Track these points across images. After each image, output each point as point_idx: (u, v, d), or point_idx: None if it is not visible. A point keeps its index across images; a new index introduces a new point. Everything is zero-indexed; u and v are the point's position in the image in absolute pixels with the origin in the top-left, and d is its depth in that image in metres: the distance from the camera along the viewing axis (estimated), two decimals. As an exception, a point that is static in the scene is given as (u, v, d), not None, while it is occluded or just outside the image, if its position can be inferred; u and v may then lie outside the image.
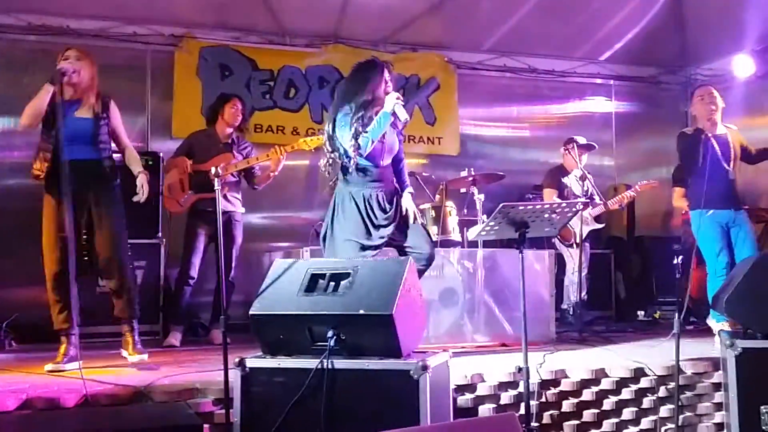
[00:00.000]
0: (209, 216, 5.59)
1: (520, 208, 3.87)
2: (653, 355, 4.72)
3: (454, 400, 3.82)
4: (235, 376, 3.28)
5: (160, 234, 6.26)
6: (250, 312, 3.32)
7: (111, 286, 4.48)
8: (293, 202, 7.52)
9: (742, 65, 7.45)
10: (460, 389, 3.98)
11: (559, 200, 6.31)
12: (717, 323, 5.30)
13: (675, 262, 4.24)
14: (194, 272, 5.72)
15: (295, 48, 7.45)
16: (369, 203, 4.33)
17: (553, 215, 3.97)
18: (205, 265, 5.84)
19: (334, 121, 4.37)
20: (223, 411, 3.45)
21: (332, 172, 4.46)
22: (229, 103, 5.88)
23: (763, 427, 3.84)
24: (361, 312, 3.15)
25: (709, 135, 5.19)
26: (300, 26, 7.26)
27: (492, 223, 3.97)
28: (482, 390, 4.04)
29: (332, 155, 4.40)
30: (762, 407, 3.83)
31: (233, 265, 5.79)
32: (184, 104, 6.97)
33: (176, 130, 6.87)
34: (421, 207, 5.79)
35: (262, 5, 6.94)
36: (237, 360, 3.28)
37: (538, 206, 3.93)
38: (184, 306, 5.77)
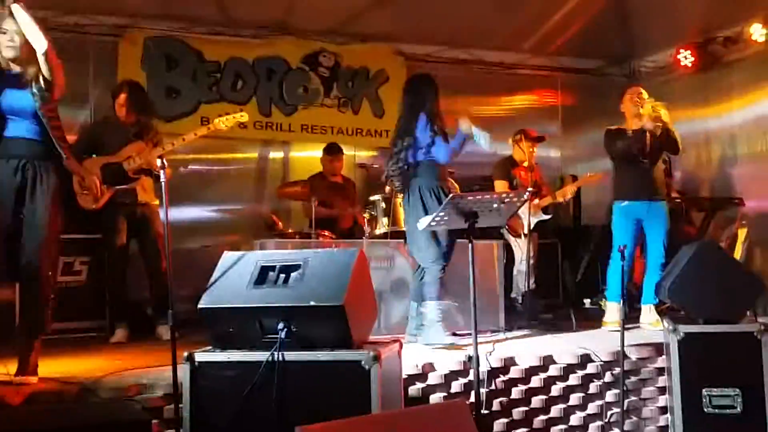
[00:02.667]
0: (128, 209, 5.51)
1: (469, 198, 3.91)
2: (599, 341, 4.82)
3: (405, 389, 3.84)
4: (184, 371, 3.25)
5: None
6: (199, 305, 3.28)
7: None
8: (242, 195, 7.45)
9: (684, 58, 7.61)
10: (411, 379, 4.01)
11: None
12: (645, 305, 5.49)
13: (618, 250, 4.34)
14: (121, 267, 5.61)
15: (242, 38, 7.36)
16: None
17: (502, 205, 4.01)
18: (138, 260, 5.73)
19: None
20: (172, 406, 3.41)
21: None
22: (121, 92, 5.68)
23: (705, 410, 3.95)
24: (312, 303, 3.14)
25: (628, 130, 5.60)
26: (247, 16, 7.15)
27: (441, 214, 4.00)
28: (433, 379, 4.08)
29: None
30: (704, 390, 3.95)
31: (163, 257, 5.66)
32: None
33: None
34: (372, 199, 5.81)
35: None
36: (186, 354, 3.24)
37: (486, 196, 3.97)
38: (123, 302, 5.67)
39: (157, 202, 5.68)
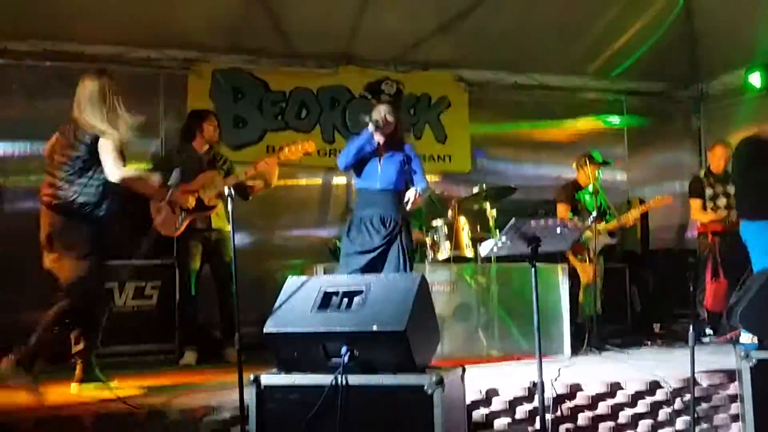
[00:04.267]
0: (202, 234, 5.66)
1: (532, 223, 3.89)
2: (668, 367, 4.71)
3: (469, 414, 3.83)
4: (250, 394, 3.31)
5: (175, 254, 6.30)
6: (264, 330, 3.34)
7: None
8: (306, 220, 7.56)
9: (755, 79, 7.44)
10: (475, 404, 3.99)
11: (571, 215, 6.32)
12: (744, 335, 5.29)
13: (688, 274, 4.24)
14: (193, 291, 5.77)
15: (306, 69, 7.52)
16: (364, 223, 4.76)
17: (565, 230, 3.98)
18: (207, 284, 5.88)
19: None
20: (239, 428, 3.47)
21: None
22: (207, 120, 5.95)
23: (780, 438, 3.81)
24: (374, 329, 3.17)
25: None
26: (311, 48, 7.32)
27: (504, 239, 3.98)
28: (497, 404, 4.05)
29: None
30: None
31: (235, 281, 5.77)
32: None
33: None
34: (434, 224, 5.83)
35: (274, 28, 7.01)
36: (252, 377, 3.31)
37: (550, 221, 3.95)
38: (192, 325, 5.82)
39: (229, 228, 5.81)
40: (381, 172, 4.85)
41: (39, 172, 5.79)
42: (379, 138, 4.88)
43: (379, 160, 4.88)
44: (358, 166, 4.92)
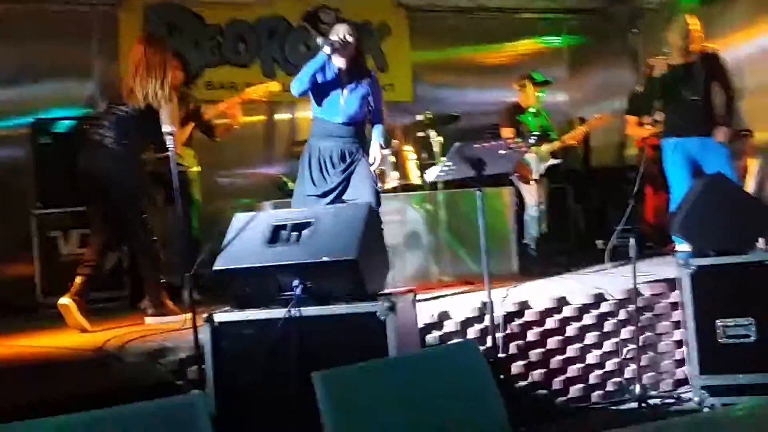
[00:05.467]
0: (164, 177, 5.57)
1: (475, 146, 3.92)
2: (612, 280, 4.87)
3: (422, 338, 3.92)
4: (204, 332, 3.32)
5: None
6: (214, 267, 3.34)
7: None
8: (251, 158, 7.49)
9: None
10: (428, 327, 4.08)
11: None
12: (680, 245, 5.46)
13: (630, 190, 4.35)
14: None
15: (242, 0, 7.33)
16: (323, 156, 4.53)
17: (508, 151, 4.03)
18: (168, 227, 5.81)
19: None
20: (195, 367, 3.50)
21: None
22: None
23: (719, 340, 4.00)
24: (325, 259, 3.20)
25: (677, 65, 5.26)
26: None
27: (449, 164, 4.03)
28: (449, 327, 4.15)
29: None
30: (717, 321, 3.99)
31: (194, 224, 5.77)
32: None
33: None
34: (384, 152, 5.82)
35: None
36: (205, 316, 3.32)
37: (492, 143, 3.99)
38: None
39: (194, 168, 5.77)
40: (344, 104, 4.53)
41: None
42: (339, 63, 4.54)
43: (342, 91, 4.56)
44: (317, 93, 4.56)
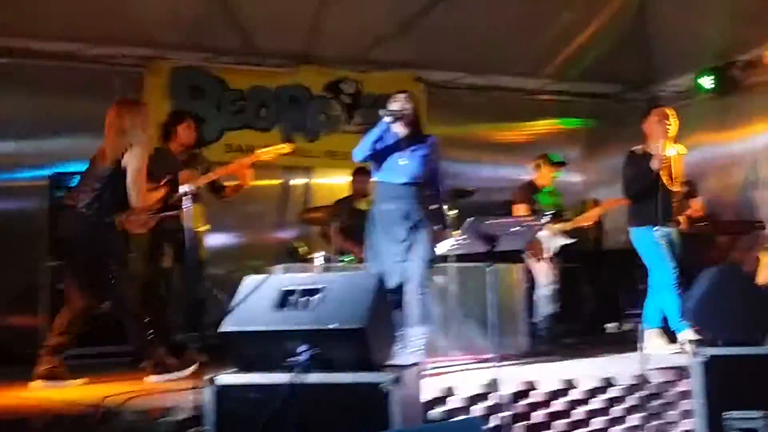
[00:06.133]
0: (174, 235, 5.59)
1: (489, 222, 3.94)
2: (622, 365, 4.80)
3: (426, 413, 3.85)
4: (206, 394, 3.28)
5: (132, 254, 6.21)
6: (220, 329, 3.32)
7: None
8: (265, 221, 7.53)
9: (704, 82, 7.61)
10: (432, 403, 4.01)
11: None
12: (680, 333, 5.43)
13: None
14: (163, 292, 5.70)
15: (265, 68, 7.49)
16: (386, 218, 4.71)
17: (521, 228, 4.04)
18: (175, 286, 5.81)
19: None
20: (194, 429, 3.44)
21: None
22: (183, 123, 5.85)
23: (729, 433, 3.91)
24: (332, 326, 3.17)
25: (658, 155, 5.48)
26: (270, 46, 7.30)
27: (462, 237, 4.03)
28: (454, 403, 4.07)
29: None
30: (725, 414, 3.90)
31: (202, 282, 5.76)
32: (155, 127, 6.93)
33: (147, 151, 6.85)
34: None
35: (233, 25, 6.98)
36: (208, 378, 3.28)
37: (505, 219, 4.00)
38: (158, 326, 5.73)
39: (202, 228, 5.80)
40: (405, 165, 4.74)
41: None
42: (399, 129, 4.78)
43: (403, 153, 4.77)
44: (378, 158, 4.80)
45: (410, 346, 4.61)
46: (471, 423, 2.73)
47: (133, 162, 4.51)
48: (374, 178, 4.94)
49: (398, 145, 4.79)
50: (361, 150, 4.77)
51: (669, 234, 5.58)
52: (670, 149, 5.56)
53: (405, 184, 4.72)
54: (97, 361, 5.50)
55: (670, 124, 5.55)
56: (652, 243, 5.56)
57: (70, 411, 3.64)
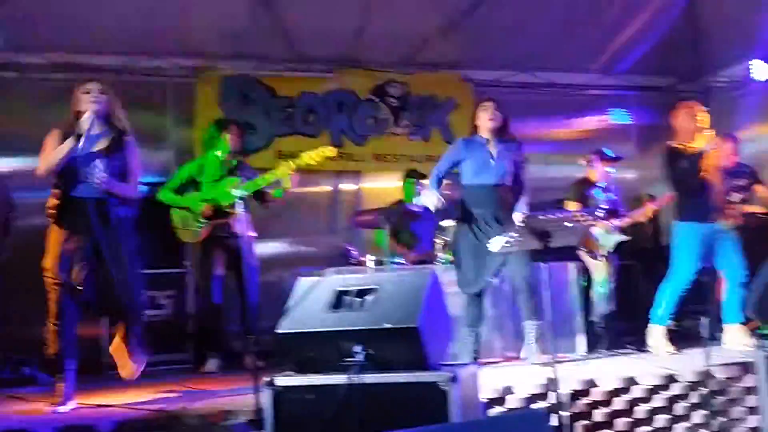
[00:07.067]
0: (225, 241, 5.66)
1: (541, 217, 3.89)
2: (683, 361, 4.70)
3: (485, 412, 3.82)
4: (265, 396, 3.31)
5: (187, 262, 6.32)
6: (277, 330, 3.35)
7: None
8: (317, 226, 7.57)
9: (759, 70, 7.41)
10: (491, 403, 3.97)
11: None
12: (731, 325, 5.30)
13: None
14: (217, 298, 5.77)
15: (312, 74, 7.56)
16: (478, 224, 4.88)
17: (575, 224, 3.98)
18: (229, 293, 5.88)
19: None
20: None
21: None
22: (227, 130, 5.94)
23: (798, 429, 3.79)
24: (387, 326, 3.17)
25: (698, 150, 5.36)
26: (316, 52, 7.36)
27: (515, 235, 4.00)
28: (512, 403, 4.03)
29: None
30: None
31: (254, 288, 5.81)
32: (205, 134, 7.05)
33: (200, 160, 6.95)
34: (443, 224, 5.82)
35: (279, 33, 7.05)
36: (267, 379, 3.31)
37: (558, 215, 3.95)
38: (217, 333, 5.83)
39: (251, 234, 5.87)
40: (494, 167, 4.92)
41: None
42: (487, 134, 4.97)
43: (491, 154, 4.94)
44: (468, 164, 4.99)
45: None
46: (535, 415, 2.69)
47: None
48: (463, 182, 5.06)
49: (487, 149, 4.98)
50: (437, 173, 5.05)
51: (714, 230, 5.42)
52: (704, 142, 5.41)
53: (495, 185, 4.90)
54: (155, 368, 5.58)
55: (700, 118, 5.42)
56: (685, 239, 5.45)
57: (132, 416, 3.70)
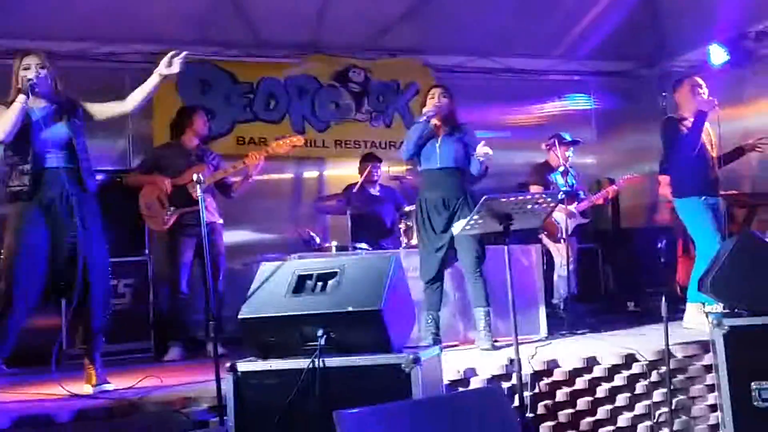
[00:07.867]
0: (193, 229, 5.59)
1: (503, 200, 3.91)
2: (643, 341, 4.77)
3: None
4: (227, 382, 3.29)
5: (147, 251, 6.24)
6: (239, 316, 3.32)
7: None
8: (279, 213, 7.52)
9: (717, 55, 7.50)
10: (453, 384, 3.99)
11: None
12: (693, 304, 5.35)
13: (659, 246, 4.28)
14: (185, 287, 5.71)
15: (273, 60, 7.49)
16: (428, 210, 4.93)
17: (536, 206, 4.01)
18: (194, 281, 5.83)
19: None
20: (217, 418, 3.45)
21: None
22: (197, 114, 5.92)
23: (755, 404, 3.86)
24: (350, 309, 3.17)
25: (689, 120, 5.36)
26: (277, 37, 7.29)
27: (476, 217, 4.01)
28: (475, 384, 4.06)
29: None
30: (753, 384, 3.86)
31: (221, 276, 5.78)
32: (165, 122, 6.90)
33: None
34: (407, 209, 5.83)
35: (239, 18, 6.97)
36: (228, 365, 3.29)
37: (520, 197, 3.97)
38: (180, 321, 5.77)
39: (220, 221, 5.82)
40: (440, 152, 4.97)
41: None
42: (435, 120, 5.03)
43: (437, 140, 5.01)
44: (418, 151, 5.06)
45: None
46: (492, 391, 2.71)
47: None
48: (420, 168, 5.15)
49: (435, 135, 5.05)
50: (407, 151, 5.06)
51: (716, 203, 5.39)
52: (706, 106, 5.36)
53: (442, 168, 4.95)
54: (116, 357, 5.51)
55: (704, 92, 5.47)
56: (698, 212, 5.35)
57: (95, 405, 3.65)
